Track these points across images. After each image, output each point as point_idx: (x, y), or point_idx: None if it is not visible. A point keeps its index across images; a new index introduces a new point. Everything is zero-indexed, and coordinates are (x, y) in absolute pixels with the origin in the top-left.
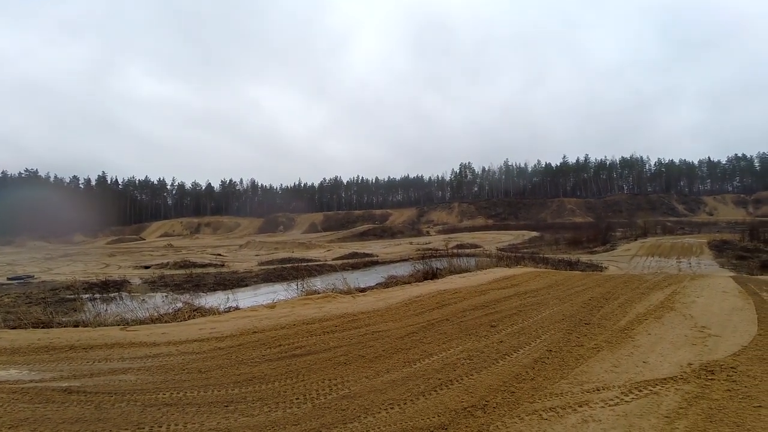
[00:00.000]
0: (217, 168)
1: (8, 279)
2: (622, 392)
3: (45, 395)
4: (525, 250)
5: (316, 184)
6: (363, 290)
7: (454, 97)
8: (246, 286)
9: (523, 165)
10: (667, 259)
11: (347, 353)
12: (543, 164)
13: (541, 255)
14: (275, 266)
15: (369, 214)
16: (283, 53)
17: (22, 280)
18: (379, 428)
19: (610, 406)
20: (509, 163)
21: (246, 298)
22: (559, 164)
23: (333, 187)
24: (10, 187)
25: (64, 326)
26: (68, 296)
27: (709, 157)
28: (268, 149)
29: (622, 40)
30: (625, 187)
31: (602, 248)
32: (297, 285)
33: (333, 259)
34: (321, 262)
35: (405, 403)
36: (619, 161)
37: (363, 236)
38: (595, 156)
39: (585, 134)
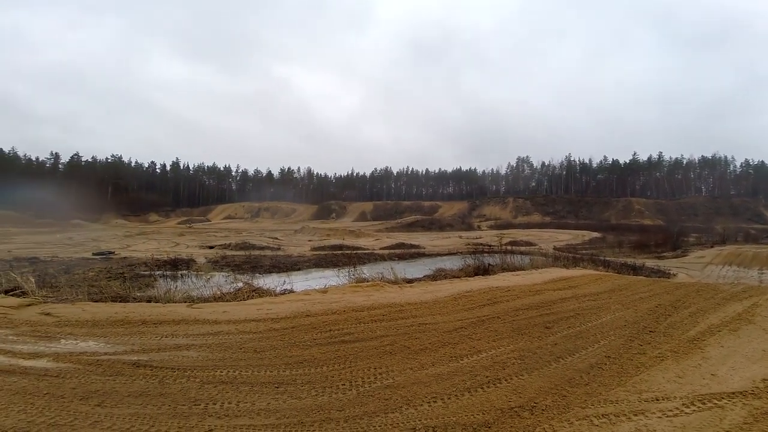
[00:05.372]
0: (254, 156)
1: (93, 254)
2: (683, 404)
3: (116, 368)
4: (584, 251)
5: (368, 173)
6: (410, 281)
7: (498, 72)
8: (299, 269)
9: (587, 161)
10: (747, 269)
11: (393, 343)
12: (610, 160)
13: (602, 257)
14: (326, 252)
15: (418, 206)
16: (305, 31)
17: (104, 256)
18: (420, 421)
19: (668, 416)
20: (571, 158)
21: (299, 281)
22: (628, 161)
23: (383, 177)
24: (98, 171)
25: (138, 301)
26: (143, 272)
27: None
28: (308, 137)
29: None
30: (704, 189)
31: (672, 254)
32: (347, 272)
33: (380, 249)
34: (369, 251)
35: (449, 398)
36: (698, 160)
37: (410, 227)
38: (670, 153)
39: (660, 127)
